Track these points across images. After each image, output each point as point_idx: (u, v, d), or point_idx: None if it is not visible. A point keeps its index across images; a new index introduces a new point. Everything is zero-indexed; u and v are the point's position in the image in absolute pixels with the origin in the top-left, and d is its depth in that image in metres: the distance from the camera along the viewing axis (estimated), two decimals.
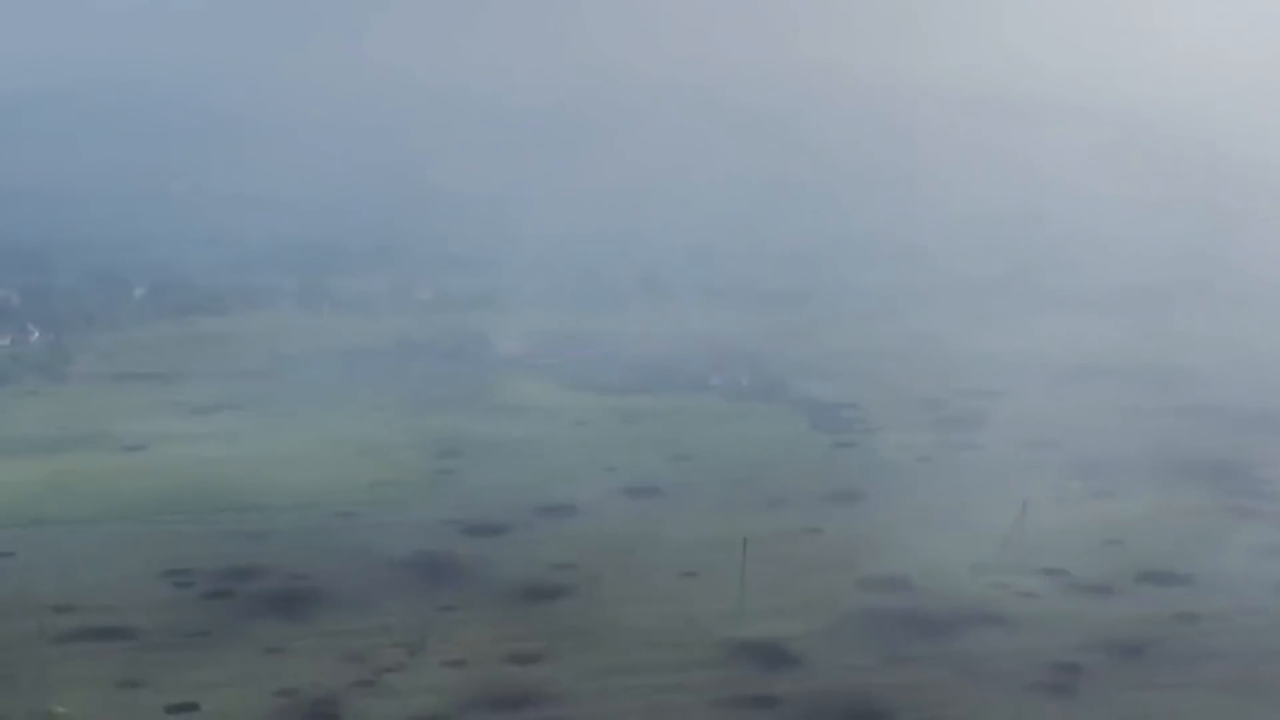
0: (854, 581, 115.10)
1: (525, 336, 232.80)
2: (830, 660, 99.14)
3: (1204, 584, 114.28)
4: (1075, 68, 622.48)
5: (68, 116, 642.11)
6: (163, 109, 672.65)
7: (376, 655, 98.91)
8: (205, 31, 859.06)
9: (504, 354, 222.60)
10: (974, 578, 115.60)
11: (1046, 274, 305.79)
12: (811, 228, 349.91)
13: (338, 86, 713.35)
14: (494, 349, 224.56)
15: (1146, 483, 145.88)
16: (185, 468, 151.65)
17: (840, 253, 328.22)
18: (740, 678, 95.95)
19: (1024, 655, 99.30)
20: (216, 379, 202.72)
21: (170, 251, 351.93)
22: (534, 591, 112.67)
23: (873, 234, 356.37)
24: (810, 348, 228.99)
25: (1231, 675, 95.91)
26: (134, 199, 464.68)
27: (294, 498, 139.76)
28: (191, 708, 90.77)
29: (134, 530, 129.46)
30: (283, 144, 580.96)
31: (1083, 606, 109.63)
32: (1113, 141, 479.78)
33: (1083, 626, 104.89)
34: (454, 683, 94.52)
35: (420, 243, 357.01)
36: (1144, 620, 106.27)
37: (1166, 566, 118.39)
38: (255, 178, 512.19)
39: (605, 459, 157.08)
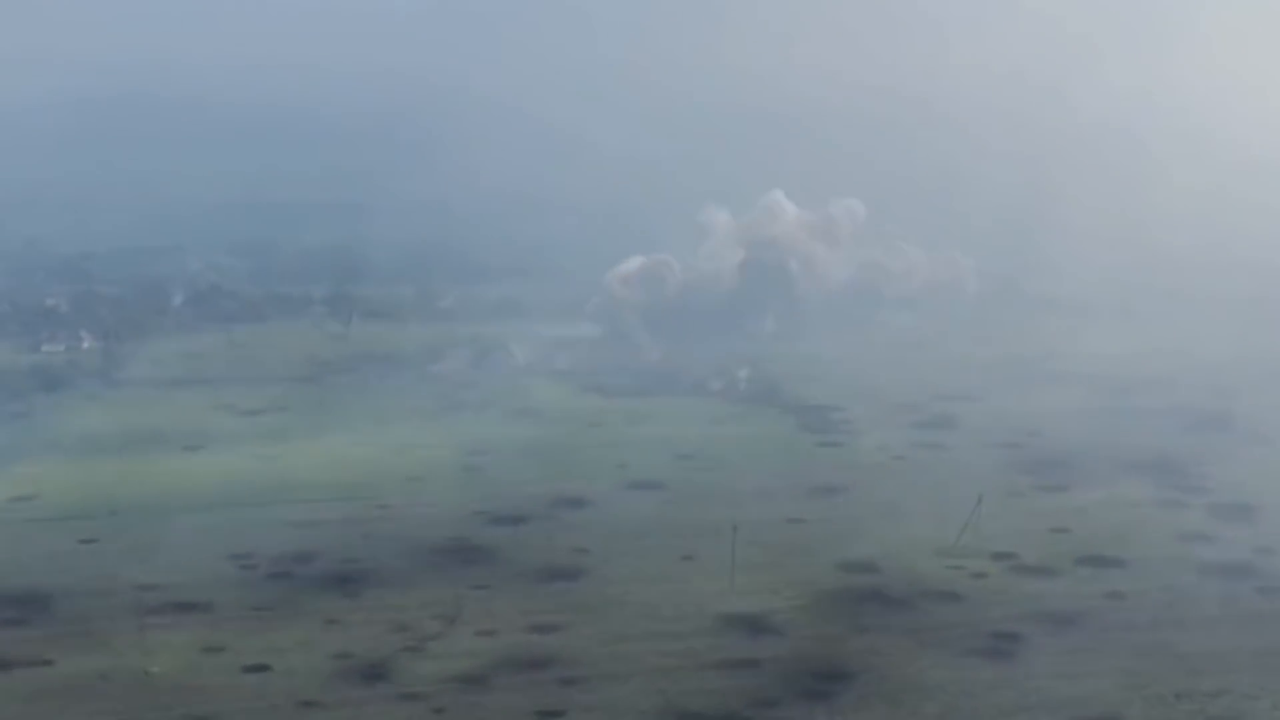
0: (830, 564, 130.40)
1: (542, 342, 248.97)
2: (806, 630, 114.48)
3: (1133, 566, 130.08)
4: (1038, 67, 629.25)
5: (90, 123, 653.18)
6: (183, 114, 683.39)
7: (419, 625, 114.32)
8: (234, 34, 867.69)
9: (522, 360, 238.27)
10: (933, 561, 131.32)
11: (1033, 279, 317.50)
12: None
13: (371, 89, 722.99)
14: (514, 356, 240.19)
15: (1095, 478, 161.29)
16: (240, 465, 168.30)
17: None
18: (729, 644, 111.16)
19: (970, 625, 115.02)
20: (259, 384, 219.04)
21: (203, 260, 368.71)
22: (552, 572, 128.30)
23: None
24: (804, 353, 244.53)
25: (1144, 641, 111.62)
26: (159, 205, 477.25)
27: (339, 491, 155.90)
28: (264, 668, 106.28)
29: (200, 520, 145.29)
30: (305, 149, 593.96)
31: (1026, 585, 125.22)
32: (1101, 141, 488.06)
33: (1023, 602, 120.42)
34: (486, 648, 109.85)
35: (443, 250, 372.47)
36: (1077, 596, 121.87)
37: (1103, 551, 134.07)
38: (276, 184, 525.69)
39: (614, 457, 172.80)
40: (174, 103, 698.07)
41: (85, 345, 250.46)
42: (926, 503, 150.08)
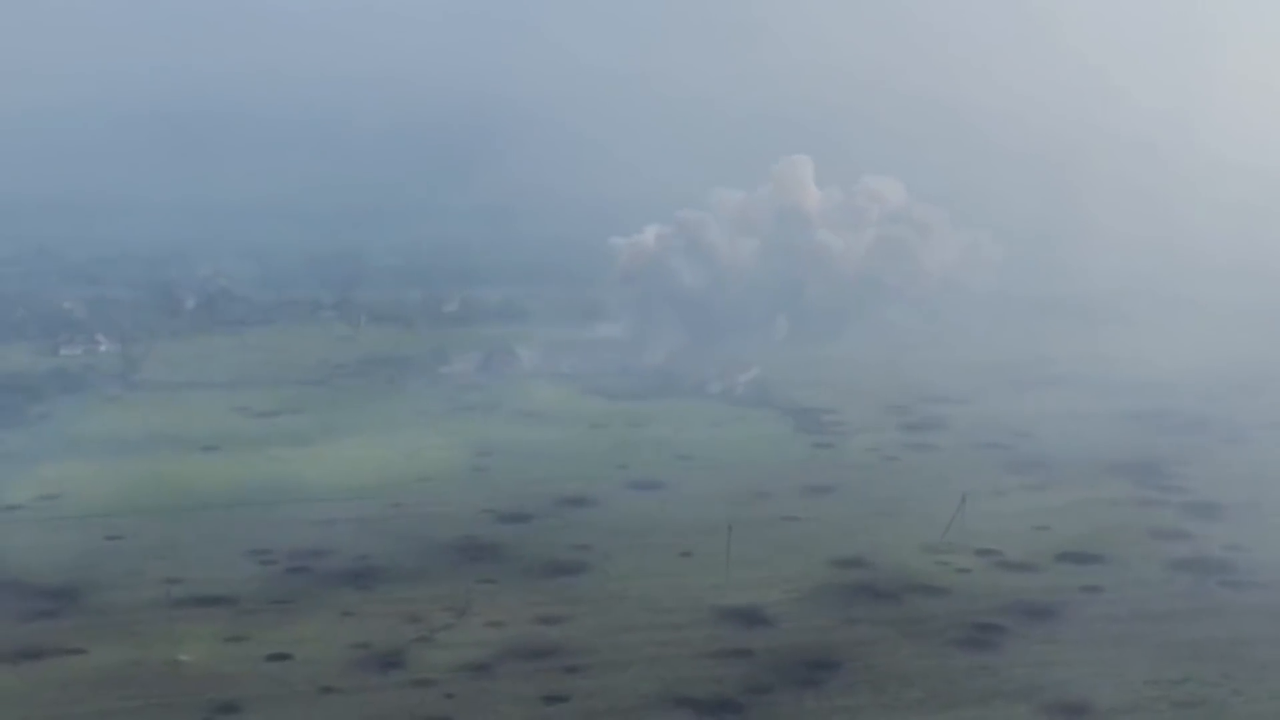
0: (822, 560, 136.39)
1: (546, 346, 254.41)
2: (798, 622, 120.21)
3: (1110, 562, 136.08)
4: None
5: (101, 128, 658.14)
6: (192, 120, 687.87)
7: (430, 617, 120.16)
8: (244, 43, 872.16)
9: (527, 364, 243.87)
10: (921, 557, 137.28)
11: (1049, 284, 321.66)
12: None
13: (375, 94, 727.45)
14: (520, 359, 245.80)
15: (1077, 479, 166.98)
16: (257, 465, 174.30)
17: None
18: (724, 635, 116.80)
19: (953, 617, 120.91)
20: (272, 386, 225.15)
21: (214, 265, 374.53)
22: (557, 567, 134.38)
23: None
24: (805, 356, 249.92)
25: (1117, 631, 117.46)
26: (170, 211, 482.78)
27: (352, 491, 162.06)
28: (286, 656, 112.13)
29: (220, 518, 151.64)
30: (317, 153, 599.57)
31: (1007, 580, 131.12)
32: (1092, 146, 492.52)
33: (1004, 595, 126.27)
34: (494, 638, 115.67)
35: (450, 254, 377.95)
36: (1056, 590, 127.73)
37: (1082, 548, 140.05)
38: (285, 188, 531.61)
39: (616, 457, 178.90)
40: (187, 113, 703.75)
41: (102, 348, 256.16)
42: (915, 502, 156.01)
